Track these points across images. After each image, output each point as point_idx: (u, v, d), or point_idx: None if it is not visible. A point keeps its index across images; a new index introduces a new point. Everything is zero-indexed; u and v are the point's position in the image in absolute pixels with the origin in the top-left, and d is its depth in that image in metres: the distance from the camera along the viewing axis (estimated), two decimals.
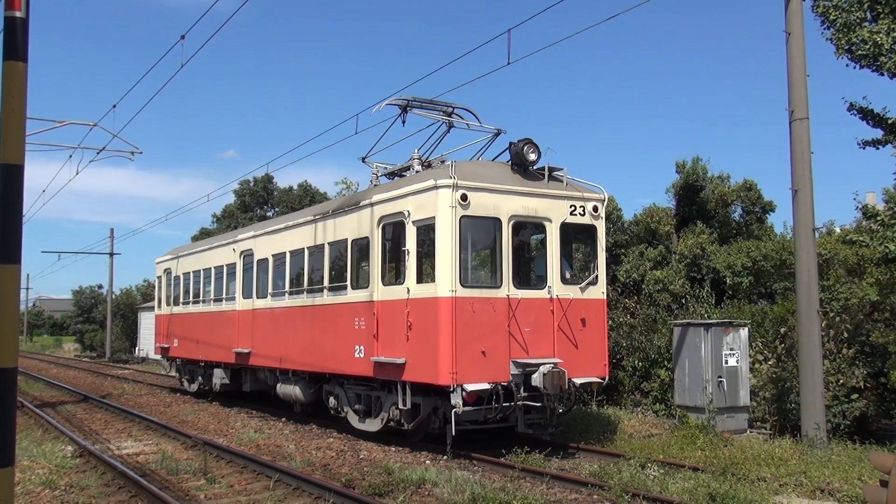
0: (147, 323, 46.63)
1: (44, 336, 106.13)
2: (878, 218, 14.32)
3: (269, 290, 17.26)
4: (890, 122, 14.01)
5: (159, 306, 25.66)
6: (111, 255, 55.08)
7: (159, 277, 25.83)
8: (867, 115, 14.25)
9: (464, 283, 11.79)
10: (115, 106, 19.78)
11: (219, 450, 12.60)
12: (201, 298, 21.70)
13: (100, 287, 74.48)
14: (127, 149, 22.30)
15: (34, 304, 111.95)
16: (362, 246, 13.65)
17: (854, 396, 14.82)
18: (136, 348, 53.22)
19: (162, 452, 12.71)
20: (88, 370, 39.29)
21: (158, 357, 27.14)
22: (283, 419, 17.29)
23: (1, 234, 2.68)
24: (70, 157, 23.38)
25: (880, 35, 13.06)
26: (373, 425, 13.68)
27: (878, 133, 14.31)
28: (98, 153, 22.44)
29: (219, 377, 20.40)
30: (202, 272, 21.65)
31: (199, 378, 22.36)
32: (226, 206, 54.17)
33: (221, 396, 21.16)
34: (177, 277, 23.92)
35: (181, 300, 23.44)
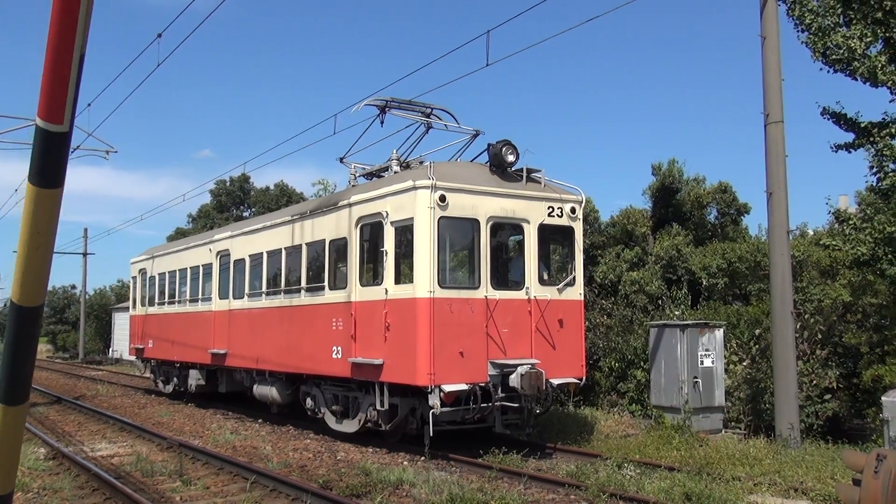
0: (121, 324, 46.14)
1: None
2: (851, 222, 14.53)
3: (246, 291, 17.14)
4: (862, 125, 14.23)
5: (134, 307, 25.39)
6: (84, 255, 54.50)
7: (134, 278, 25.56)
8: (840, 118, 14.46)
9: (442, 283, 11.78)
10: (90, 104, 19.68)
11: (194, 451, 12.48)
12: (177, 299, 21.51)
13: (73, 287, 73.69)
14: (102, 148, 22.08)
15: (5, 305, 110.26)
16: (340, 246, 13.60)
17: (827, 397, 15.04)
18: (110, 349, 52.61)
19: (137, 454, 12.57)
20: (61, 371, 38.78)
21: (133, 358, 26.86)
22: (260, 420, 17.18)
23: (7, 378, 2.22)
24: None
25: (853, 40, 13.27)
26: (350, 426, 13.63)
27: (851, 137, 14.53)
28: (72, 151, 22.13)
29: (194, 378, 20.22)
30: (178, 272, 21.45)
31: (175, 379, 22.15)
32: (202, 206, 53.87)
33: (197, 398, 20.97)
34: (152, 278, 23.68)
35: (156, 301, 23.21)
